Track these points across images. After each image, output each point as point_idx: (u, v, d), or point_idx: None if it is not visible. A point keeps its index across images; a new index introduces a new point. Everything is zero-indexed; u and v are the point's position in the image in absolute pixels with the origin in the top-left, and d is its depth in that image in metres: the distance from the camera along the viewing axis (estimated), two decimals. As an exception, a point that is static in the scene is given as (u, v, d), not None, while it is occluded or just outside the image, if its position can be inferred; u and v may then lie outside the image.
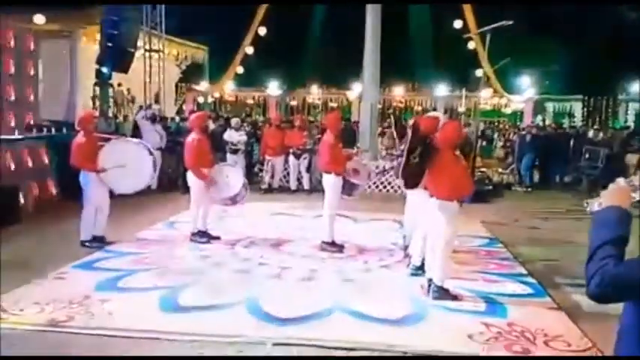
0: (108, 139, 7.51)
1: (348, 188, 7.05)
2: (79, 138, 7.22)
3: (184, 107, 23.61)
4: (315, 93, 29.96)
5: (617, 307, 5.16)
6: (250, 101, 30.75)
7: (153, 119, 11.76)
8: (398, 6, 22.01)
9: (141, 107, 13.75)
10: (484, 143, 18.87)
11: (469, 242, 7.98)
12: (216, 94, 28.02)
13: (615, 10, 23.35)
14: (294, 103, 30.11)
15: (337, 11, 23.84)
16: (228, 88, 28.42)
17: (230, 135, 11.99)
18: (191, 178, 7.07)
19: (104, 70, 12.17)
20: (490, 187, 13.34)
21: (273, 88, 28.82)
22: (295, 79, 28.49)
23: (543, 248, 7.98)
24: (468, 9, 23.50)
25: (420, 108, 28.76)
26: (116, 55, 11.66)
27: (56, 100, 13.78)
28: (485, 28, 15.52)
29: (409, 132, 5.32)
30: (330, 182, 6.94)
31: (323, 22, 25.96)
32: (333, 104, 29.84)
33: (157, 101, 19.81)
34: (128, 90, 17.40)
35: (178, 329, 4.55)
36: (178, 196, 10.16)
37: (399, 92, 29.47)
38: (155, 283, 5.65)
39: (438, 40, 24.78)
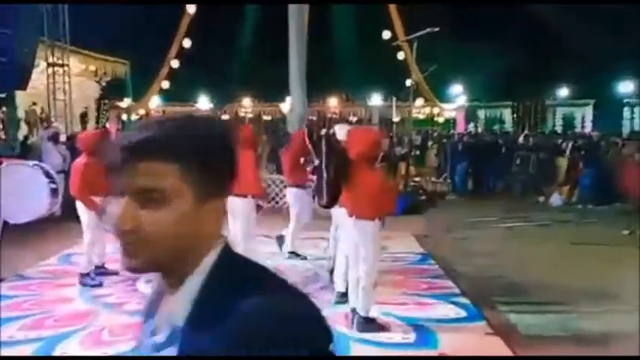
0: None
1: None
2: None
3: (107, 125, 22.30)
4: (247, 106, 29.23)
5: (553, 330, 4.40)
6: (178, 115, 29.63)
7: (55, 139, 10.68)
8: (323, 18, 21.71)
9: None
10: (417, 152, 18.65)
11: (400, 260, 7.42)
12: (141, 111, 26.77)
13: (541, 13, 23.74)
14: (225, 117, 29.23)
15: (266, 20, 23.20)
16: (155, 103, 27.26)
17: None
18: (81, 207, 6.12)
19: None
20: (424, 198, 12.96)
21: (204, 102, 27.90)
22: (226, 93, 27.65)
23: (477, 261, 7.51)
24: (396, 18, 23.44)
25: (354, 119, 28.54)
26: (11, 71, 10.51)
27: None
28: (412, 35, 15.34)
29: (323, 145, 4.66)
30: (243, 207, 6.10)
31: (252, 33, 25.30)
32: (267, 117, 29.18)
33: (83, 121, 18.43)
34: (42, 109, 16.10)
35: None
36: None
37: (333, 103, 29.21)
38: (27, 335, 4.73)
39: (368, 52, 24.59)
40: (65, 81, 13.67)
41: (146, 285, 6.24)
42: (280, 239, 7.53)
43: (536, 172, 12.98)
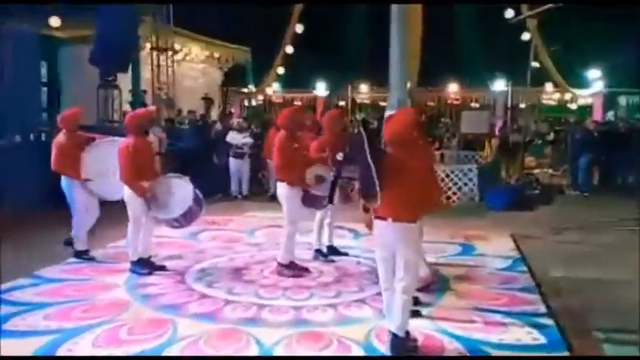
0: (93, 139, 6.57)
1: (309, 200, 5.68)
2: (60, 138, 6.47)
3: (233, 111, 22.77)
4: (364, 93, 28.63)
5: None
6: (298, 102, 29.73)
7: (150, 121, 10.76)
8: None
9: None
10: (539, 141, 16.98)
11: (483, 265, 6.41)
12: (260, 97, 27.11)
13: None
14: (342, 103, 28.82)
15: (379, 5, 22.32)
16: (274, 89, 27.53)
17: (233, 137, 10.84)
18: (127, 193, 5.81)
19: (102, 70, 11.26)
20: (536, 192, 11.54)
21: (321, 88, 27.69)
22: (341, 79, 27.15)
23: (583, 272, 6.27)
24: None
25: (477, 105, 26.96)
26: (112, 53, 10.73)
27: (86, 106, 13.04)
28: (534, 11, 13.82)
29: (363, 134, 3.84)
30: (285, 193, 5.70)
31: (365, 18, 24.46)
32: (384, 103, 28.36)
33: (207, 106, 18.74)
34: (166, 93, 16.60)
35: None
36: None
37: (453, 89, 27.83)
38: (49, 325, 4.49)
39: (491, 34, 22.79)
40: (169, 65, 13.87)
41: (195, 274, 5.88)
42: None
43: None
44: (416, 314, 4.72)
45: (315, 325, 4.61)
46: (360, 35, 24.96)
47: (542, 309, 5.02)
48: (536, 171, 13.76)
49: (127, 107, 12.60)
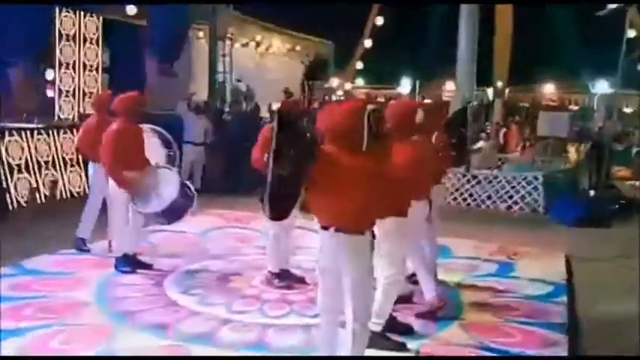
0: None
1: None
2: (90, 120, 6.32)
3: (316, 106, 22.51)
4: (450, 90, 27.38)
5: None
6: (381, 99, 28.98)
7: (197, 110, 10.51)
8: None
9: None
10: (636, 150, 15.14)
11: (510, 291, 5.42)
12: (340, 92, 26.63)
13: None
14: (427, 101, 27.64)
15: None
16: (357, 84, 26.98)
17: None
18: (111, 182, 5.38)
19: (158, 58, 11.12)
20: (615, 207, 10.04)
21: (406, 85, 26.77)
22: (424, 75, 26.04)
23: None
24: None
25: (576, 107, 24.96)
26: (165, 41, 10.57)
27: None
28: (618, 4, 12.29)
29: (275, 126, 3.09)
30: None
31: (448, 11, 23.17)
32: (474, 102, 26.89)
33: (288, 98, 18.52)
34: (247, 86, 16.44)
35: None
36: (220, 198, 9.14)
37: (549, 90, 26.02)
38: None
39: (591, 31, 20.79)
40: (225, 53, 13.60)
41: (172, 285, 5.30)
42: None
43: None
44: (400, 348, 3.96)
45: (274, 349, 3.94)
46: (446, 29, 23.78)
47: (563, 354, 4.03)
48: (627, 183, 12.17)
49: (202, 97, 12.47)
